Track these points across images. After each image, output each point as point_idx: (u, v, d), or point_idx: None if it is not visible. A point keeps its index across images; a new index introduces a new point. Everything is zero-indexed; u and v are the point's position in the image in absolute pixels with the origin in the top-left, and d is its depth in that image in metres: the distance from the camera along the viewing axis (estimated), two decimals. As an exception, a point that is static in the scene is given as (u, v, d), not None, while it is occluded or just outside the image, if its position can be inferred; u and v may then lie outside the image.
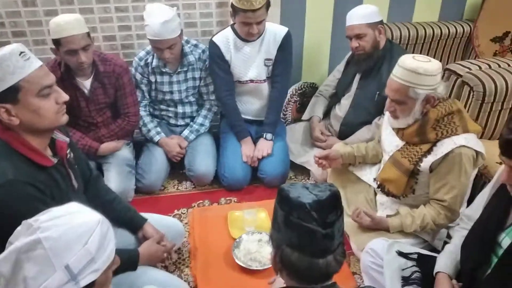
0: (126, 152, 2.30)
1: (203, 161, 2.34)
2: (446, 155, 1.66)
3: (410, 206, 1.83)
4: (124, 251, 1.45)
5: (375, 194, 2.03)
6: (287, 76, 2.43)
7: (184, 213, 2.22)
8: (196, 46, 2.36)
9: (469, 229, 1.50)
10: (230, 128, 2.45)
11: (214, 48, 2.32)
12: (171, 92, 2.38)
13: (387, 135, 1.95)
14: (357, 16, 2.23)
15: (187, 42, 2.34)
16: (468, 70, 2.09)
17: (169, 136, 2.44)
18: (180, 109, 2.45)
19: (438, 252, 1.68)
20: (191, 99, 2.45)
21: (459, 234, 1.54)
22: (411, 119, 1.72)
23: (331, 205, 0.97)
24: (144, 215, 1.74)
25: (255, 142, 2.42)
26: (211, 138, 2.49)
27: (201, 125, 2.46)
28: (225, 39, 2.32)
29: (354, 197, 2.06)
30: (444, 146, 1.67)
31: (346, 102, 2.43)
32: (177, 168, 2.46)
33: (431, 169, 1.71)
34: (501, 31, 2.55)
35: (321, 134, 2.46)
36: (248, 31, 2.19)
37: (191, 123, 2.46)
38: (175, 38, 2.15)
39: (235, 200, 2.30)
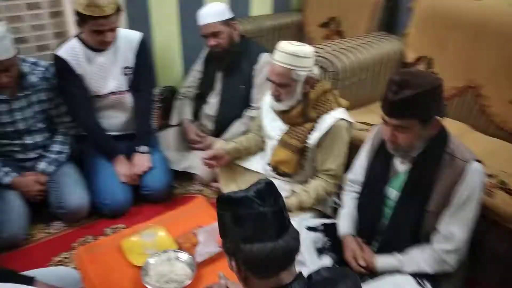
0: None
1: (73, 193, 2.02)
2: (329, 129, 1.82)
3: (300, 183, 1.96)
4: None
5: (267, 180, 2.10)
6: (151, 82, 2.28)
7: (67, 258, 1.88)
8: (35, 64, 2.01)
9: (356, 190, 1.70)
10: (96, 149, 2.18)
11: (61, 64, 2.02)
12: (14, 122, 1.98)
13: (269, 122, 2.03)
14: (210, 15, 2.23)
15: (23, 60, 1.98)
16: (316, 54, 2.32)
17: (21, 174, 2.03)
18: (28, 140, 2.05)
19: (330, 217, 1.87)
20: (41, 125, 2.08)
21: (349, 197, 1.73)
22: (294, 100, 1.84)
23: (271, 190, 1.02)
24: (27, 273, 1.42)
25: (129, 158, 2.21)
26: (74, 166, 2.16)
27: (59, 153, 2.11)
28: (72, 51, 2.04)
29: (244, 187, 2.08)
30: (326, 122, 1.83)
31: (213, 100, 2.43)
32: (40, 208, 2.07)
33: (318, 144, 1.86)
34: (326, 17, 2.90)
35: (197, 136, 2.41)
36: (101, 40, 1.98)
37: (46, 153, 2.10)
38: (10, 59, 1.80)
39: (123, 227, 2.06)
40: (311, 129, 1.86)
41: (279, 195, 1.03)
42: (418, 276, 1.43)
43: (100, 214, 2.11)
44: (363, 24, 2.66)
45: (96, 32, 1.94)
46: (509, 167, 1.78)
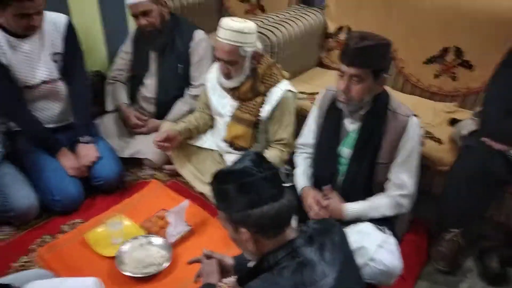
0: None
1: (20, 193, 1.87)
2: (279, 101, 1.95)
3: (254, 155, 2.07)
4: None
5: (221, 156, 2.17)
6: (83, 68, 2.15)
7: (28, 262, 1.77)
8: None
9: (308, 152, 1.87)
10: (34, 145, 2.02)
11: (-20, 55, 1.81)
12: None
13: (216, 99, 2.09)
14: (138, -7, 2.16)
15: None
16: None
17: (-49, 181, 1.82)
18: (-49, 144, 1.84)
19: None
20: (-36, 125, 1.87)
21: (301, 157, 1.89)
22: (243, 76, 1.92)
23: (262, 158, 1.12)
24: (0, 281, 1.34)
25: (72, 150, 2.09)
26: (13, 165, 1.99)
27: (-8, 153, 1.93)
28: (-8, 40, 1.84)
29: (202, 166, 2.15)
30: (275, 94, 1.95)
31: (150, 81, 2.39)
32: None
33: (269, 116, 1.97)
34: (246, -9, 2.97)
35: (139, 120, 2.36)
36: (27, 24, 1.81)
37: (-24, 155, 1.90)
38: None
39: (80, 221, 1.98)
40: (262, 103, 1.97)
41: (268, 160, 1.13)
42: (376, 222, 1.67)
43: (51, 212, 1.99)
44: (284, -4, 2.80)
45: (21, 15, 1.77)
46: (430, 119, 2.12)
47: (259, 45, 1.92)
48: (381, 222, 1.69)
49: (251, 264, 1.19)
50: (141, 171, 2.33)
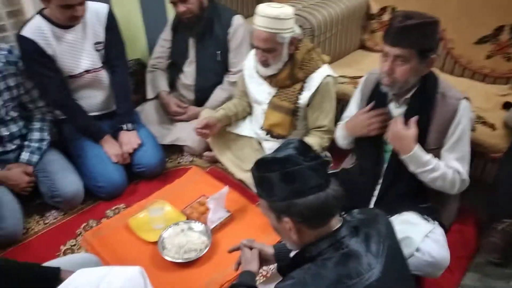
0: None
1: (66, 179, 1.94)
2: (318, 87, 1.89)
3: (294, 142, 2.04)
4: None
5: (259, 143, 2.15)
6: (125, 57, 2.19)
7: (74, 245, 1.84)
8: (-5, 48, 1.85)
9: None
10: (79, 132, 2.08)
11: (28, 45, 1.88)
12: (-17, 114, 1.84)
13: (254, 87, 2.05)
14: (175, -21, 2.15)
15: (-20, 47, 1.82)
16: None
17: (5, 168, 1.91)
18: (3, 132, 1.91)
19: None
20: (13, 114, 1.94)
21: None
22: (281, 63, 1.87)
23: (306, 146, 1.09)
24: (50, 264, 1.39)
25: (114, 137, 2.14)
26: (59, 152, 2.07)
27: (41, 140, 2.00)
28: (38, 30, 1.89)
29: (241, 153, 2.14)
30: (314, 80, 1.89)
31: (189, 69, 2.39)
32: (29, 200, 1.98)
33: (308, 102, 1.92)
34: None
35: (179, 107, 2.38)
36: (71, 15, 1.85)
37: (26, 142, 1.98)
38: None
39: (123, 207, 2.03)
40: (301, 89, 1.91)
41: (313, 149, 1.10)
42: (422, 211, 1.59)
43: (95, 197, 2.06)
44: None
45: (65, 6, 1.81)
46: (482, 103, 1.99)
47: (297, 30, 1.86)
48: (427, 211, 1.62)
49: (292, 254, 1.17)
50: (181, 158, 2.36)
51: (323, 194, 1.02)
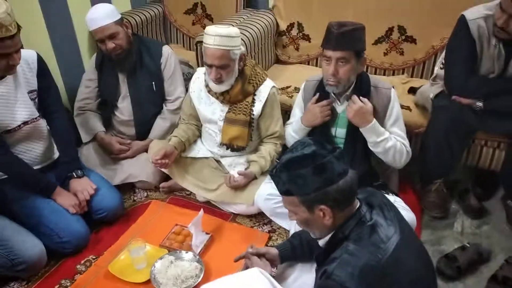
0: None
1: (27, 243, 1.74)
2: (267, 98, 2.06)
3: (249, 153, 2.17)
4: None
5: (216, 161, 2.22)
6: (61, 100, 2.07)
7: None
8: None
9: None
10: (26, 190, 1.88)
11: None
12: None
13: (204, 107, 2.14)
14: (102, 17, 2.13)
15: None
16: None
17: None
18: None
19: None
20: None
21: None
22: (233, 79, 1.99)
23: (320, 141, 1.24)
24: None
25: (64, 188, 1.98)
26: (4, 217, 1.83)
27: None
28: (-35, 87, 1.69)
29: (201, 174, 2.18)
30: (263, 92, 2.07)
31: (124, 104, 2.35)
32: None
33: (260, 113, 2.07)
34: (189, 3, 3.02)
35: (122, 145, 2.31)
36: (7, 65, 1.70)
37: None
38: None
39: (93, 257, 1.89)
40: (253, 102, 2.06)
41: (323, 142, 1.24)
42: (377, 188, 1.85)
43: (57, 256, 1.88)
44: (229, 4, 2.90)
45: (2, 56, 1.66)
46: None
47: (243, 48, 2.01)
48: (381, 187, 1.89)
49: (321, 242, 1.29)
50: (135, 195, 2.28)
51: (348, 178, 1.18)
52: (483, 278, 1.77)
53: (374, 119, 1.81)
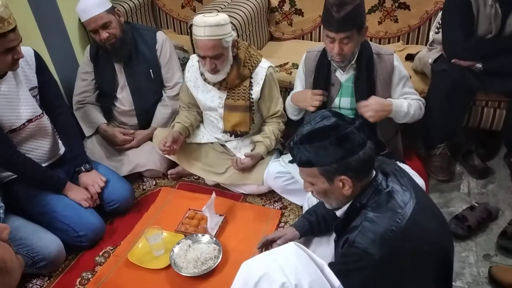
0: None
1: (45, 240, 1.76)
2: (264, 79, 2.04)
3: (254, 134, 2.17)
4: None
5: (221, 145, 2.23)
6: (61, 96, 2.06)
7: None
8: None
9: None
10: (36, 188, 1.89)
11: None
12: None
13: (202, 95, 2.12)
14: (94, 7, 2.09)
15: None
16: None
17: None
18: None
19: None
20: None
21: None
22: (228, 66, 1.96)
23: (338, 112, 1.26)
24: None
25: (74, 182, 1.99)
26: (18, 217, 1.84)
27: (-4, 208, 1.78)
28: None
29: (208, 159, 2.19)
30: (259, 74, 2.04)
31: (123, 94, 2.33)
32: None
33: (260, 95, 2.07)
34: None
35: (126, 135, 2.30)
36: (12, 59, 1.67)
37: (-22, 217, 1.73)
38: None
39: (111, 248, 1.92)
40: (250, 85, 2.04)
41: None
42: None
43: (76, 249, 1.90)
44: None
45: (6, 51, 1.63)
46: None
47: (234, 33, 1.98)
48: (388, 156, 1.90)
49: (339, 212, 1.31)
50: (143, 184, 2.29)
51: (368, 149, 1.20)
52: (493, 235, 1.83)
53: (391, 101, 1.82)
